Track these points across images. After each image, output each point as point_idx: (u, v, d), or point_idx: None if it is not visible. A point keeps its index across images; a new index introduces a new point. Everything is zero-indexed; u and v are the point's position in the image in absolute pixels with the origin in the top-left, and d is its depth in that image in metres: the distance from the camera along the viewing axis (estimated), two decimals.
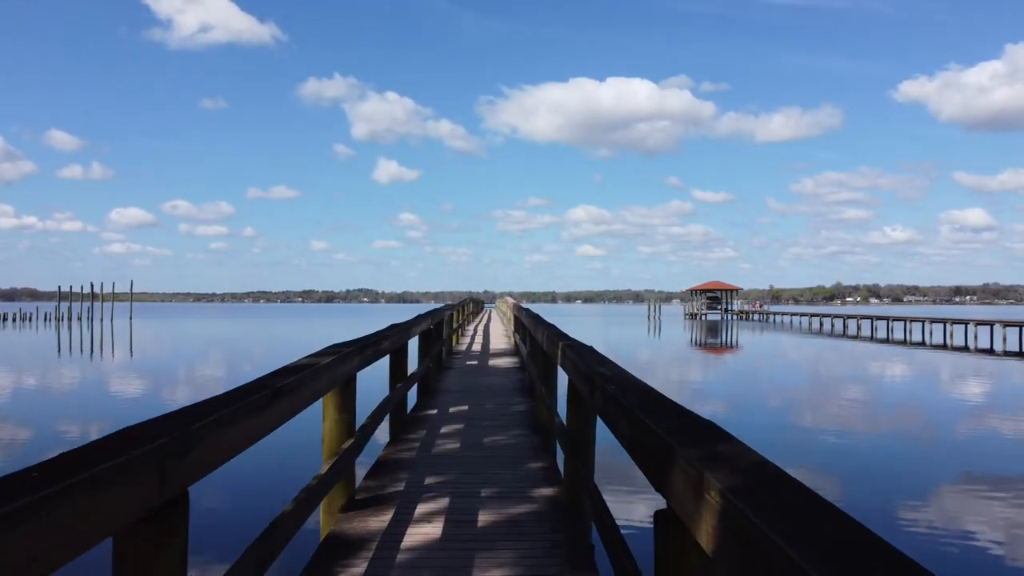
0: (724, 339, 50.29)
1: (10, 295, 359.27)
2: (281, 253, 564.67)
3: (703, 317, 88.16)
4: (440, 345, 12.06)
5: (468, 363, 13.32)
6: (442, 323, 12.14)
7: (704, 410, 16.76)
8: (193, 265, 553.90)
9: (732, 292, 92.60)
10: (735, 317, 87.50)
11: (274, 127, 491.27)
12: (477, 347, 16.92)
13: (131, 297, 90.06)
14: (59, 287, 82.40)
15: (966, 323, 44.88)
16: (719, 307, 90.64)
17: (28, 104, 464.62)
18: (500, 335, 21.52)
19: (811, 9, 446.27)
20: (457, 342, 18.21)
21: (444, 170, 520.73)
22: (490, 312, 57.22)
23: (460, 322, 19.28)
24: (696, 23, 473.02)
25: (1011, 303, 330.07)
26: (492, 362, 13.51)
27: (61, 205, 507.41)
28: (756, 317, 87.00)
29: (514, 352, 14.99)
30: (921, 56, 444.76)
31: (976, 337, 41.76)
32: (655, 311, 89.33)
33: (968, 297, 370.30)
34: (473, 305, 35.32)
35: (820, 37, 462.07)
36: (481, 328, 25.57)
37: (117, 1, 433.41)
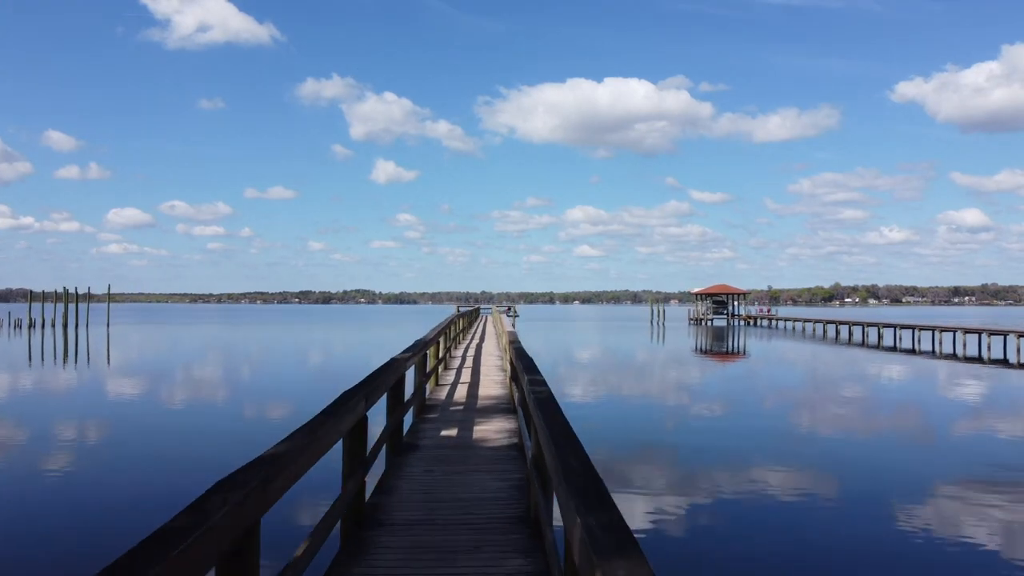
0: (733, 346, 48.41)
1: (5, 296, 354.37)
2: (278, 253, 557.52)
3: (709, 322, 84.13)
4: (399, 417, 8.05)
5: (444, 433, 9.30)
6: (402, 380, 8.12)
7: (713, 416, 18.96)
8: (190, 266, 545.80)
9: (739, 296, 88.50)
10: (742, 323, 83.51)
11: (272, 127, 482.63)
12: (461, 395, 12.84)
13: (108, 299, 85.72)
14: (30, 291, 78.10)
15: (1005, 334, 41.22)
16: (725, 312, 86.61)
17: (25, 104, 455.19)
18: (493, 368, 17.41)
19: (809, 10, 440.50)
20: (437, 383, 14.18)
21: (442, 170, 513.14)
22: (486, 320, 53.18)
23: (441, 356, 15.17)
24: (694, 23, 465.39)
25: (1010, 304, 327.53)
26: (479, 429, 9.51)
27: (58, 205, 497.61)
28: (763, 323, 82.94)
29: (509, 408, 11.02)
30: (918, 57, 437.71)
31: (1019, 350, 38.05)
32: (659, 315, 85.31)
33: (967, 298, 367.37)
34: (464, 321, 31.17)
35: (818, 38, 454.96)
36: (471, 354, 21.50)
37: (114, 1, 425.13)
